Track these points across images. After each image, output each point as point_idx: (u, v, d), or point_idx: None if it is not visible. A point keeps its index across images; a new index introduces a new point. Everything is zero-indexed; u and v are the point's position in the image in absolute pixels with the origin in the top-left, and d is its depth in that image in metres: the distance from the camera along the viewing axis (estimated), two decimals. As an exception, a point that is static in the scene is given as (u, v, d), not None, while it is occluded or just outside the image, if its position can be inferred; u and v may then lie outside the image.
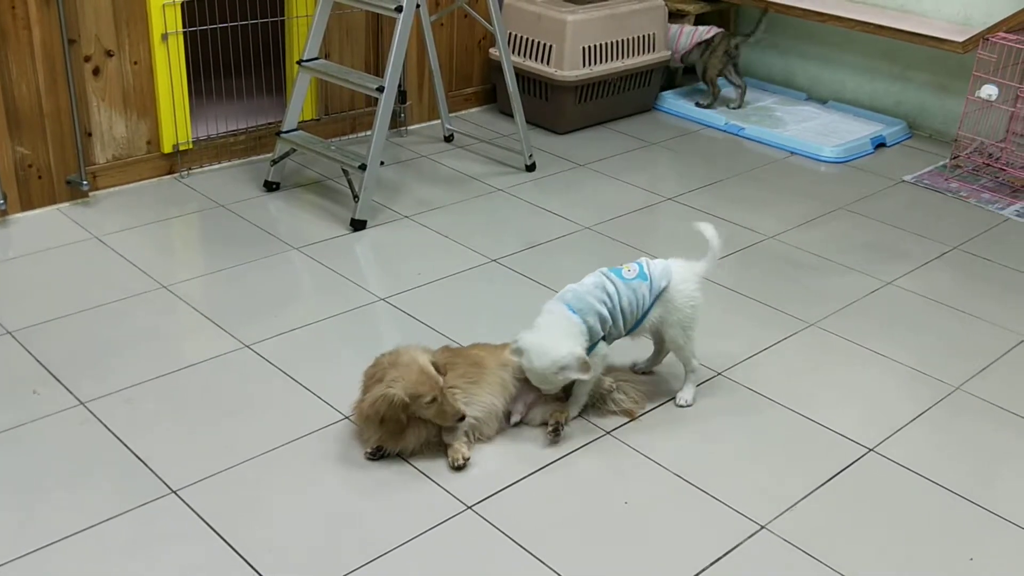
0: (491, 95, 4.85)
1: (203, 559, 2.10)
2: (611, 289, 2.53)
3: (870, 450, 2.54)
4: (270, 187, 3.84)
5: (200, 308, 3.02)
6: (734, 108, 4.88)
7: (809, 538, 2.23)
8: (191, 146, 3.90)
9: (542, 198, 3.90)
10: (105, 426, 2.48)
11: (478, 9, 4.35)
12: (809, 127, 4.71)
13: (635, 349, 2.80)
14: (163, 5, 3.64)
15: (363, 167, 3.54)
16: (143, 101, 3.74)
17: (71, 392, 2.60)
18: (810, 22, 4.80)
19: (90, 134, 3.65)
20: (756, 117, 4.81)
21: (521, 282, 3.27)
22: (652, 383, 2.77)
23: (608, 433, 2.56)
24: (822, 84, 5.10)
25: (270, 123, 4.13)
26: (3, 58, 3.34)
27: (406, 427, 2.35)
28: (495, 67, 4.61)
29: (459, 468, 2.38)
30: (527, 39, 4.55)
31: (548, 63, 4.49)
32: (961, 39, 4.27)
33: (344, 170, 3.65)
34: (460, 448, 2.39)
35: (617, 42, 4.59)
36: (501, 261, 3.40)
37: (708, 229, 2.62)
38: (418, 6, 3.70)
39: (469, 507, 2.27)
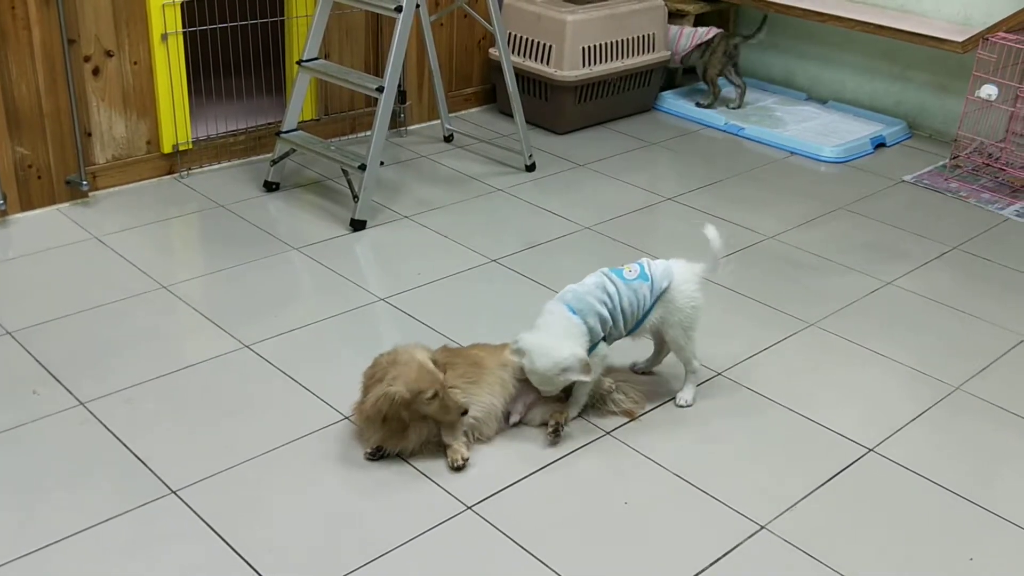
0: (491, 95, 4.85)
1: (203, 559, 2.10)
2: (612, 290, 2.53)
3: (870, 450, 2.54)
4: (270, 187, 3.84)
5: (200, 308, 3.02)
6: (734, 108, 4.88)
7: (809, 538, 2.23)
8: (191, 146, 3.90)
9: (542, 198, 3.90)
10: (105, 426, 2.48)
11: (478, 9, 4.35)
12: (809, 127, 4.71)
13: (635, 349, 2.80)
14: (163, 5, 3.64)
15: (363, 167, 3.54)
16: (143, 101, 3.74)
17: (71, 392, 2.60)
18: (810, 22, 4.80)
19: (90, 134, 3.65)
20: (756, 117, 4.81)
21: (521, 282, 3.27)
22: (652, 383, 2.77)
23: (608, 433, 2.56)
24: (822, 84, 5.10)
25: (270, 123, 4.13)
26: (3, 58, 3.34)
27: (408, 425, 2.35)
28: (495, 67, 4.61)
29: (458, 469, 2.38)
30: (527, 39, 4.55)
31: (548, 63, 4.49)
32: (961, 39, 4.27)
33: (344, 170, 3.65)
34: (459, 448, 2.39)
35: (617, 42, 4.59)
36: (501, 261, 3.40)
37: (711, 232, 2.60)
38: (418, 6, 3.70)
39: (469, 507, 2.27)
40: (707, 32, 4.80)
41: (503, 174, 4.11)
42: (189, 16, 3.85)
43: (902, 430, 2.63)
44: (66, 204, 3.61)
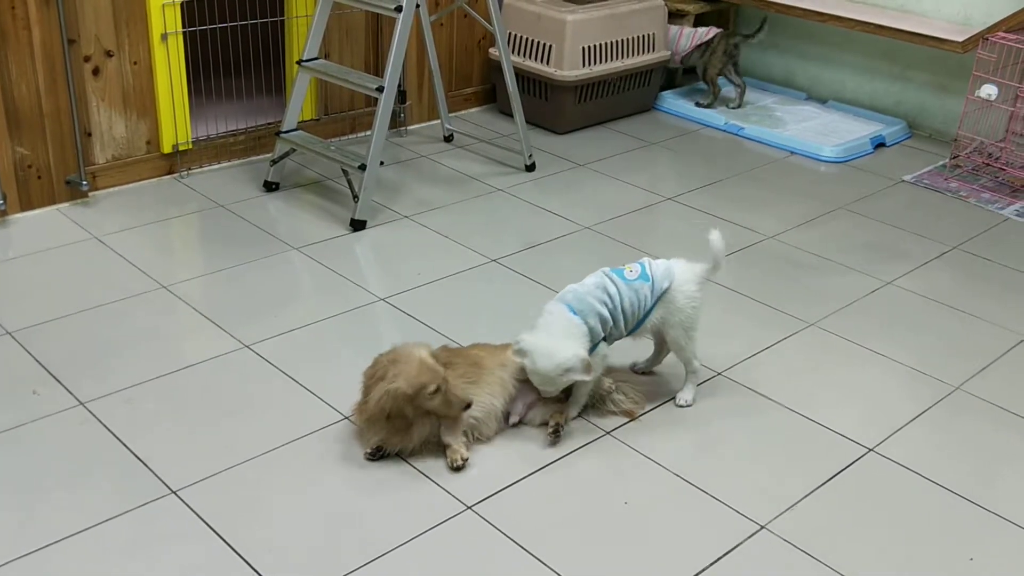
0: (491, 95, 4.85)
1: (203, 559, 2.10)
2: (612, 290, 2.53)
3: (870, 450, 2.54)
4: (270, 187, 3.84)
5: (200, 308, 3.02)
6: (733, 108, 4.88)
7: (809, 538, 2.23)
8: (191, 146, 3.90)
9: (542, 198, 3.90)
10: (105, 426, 2.48)
11: (478, 9, 4.35)
12: (809, 127, 4.71)
13: (635, 349, 2.80)
14: (163, 5, 3.64)
15: (363, 167, 3.54)
16: (143, 101, 3.74)
17: (71, 392, 2.60)
18: (810, 22, 4.80)
19: (90, 134, 3.65)
20: (756, 117, 4.81)
21: (521, 282, 3.27)
22: (652, 383, 2.77)
23: (608, 433, 2.56)
24: (822, 84, 5.10)
25: (270, 123, 4.13)
26: (3, 58, 3.34)
27: (412, 423, 2.35)
28: (495, 67, 4.61)
29: (458, 469, 2.38)
30: (527, 39, 4.55)
31: (548, 63, 4.49)
32: (961, 39, 4.27)
33: (344, 170, 3.65)
34: (459, 449, 2.39)
35: (617, 42, 4.59)
36: (501, 261, 3.40)
37: (715, 236, 2.59)
38: (418, 6, 3.70)
39: (469, 507, 2.27)
40: (707, 32, 4.80)
41: (503, 174, 4.11)
42: (189, 16, 3.85)
43: (902, 430, 2.63)
44: (66, 204, 3.61)
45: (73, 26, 3.48)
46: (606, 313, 2.50)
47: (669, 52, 4.83)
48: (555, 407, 2.54)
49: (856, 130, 4.68)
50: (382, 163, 3.65)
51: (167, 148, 3.83)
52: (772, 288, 3.31)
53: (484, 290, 3.23)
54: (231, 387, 2.67)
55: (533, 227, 3.67)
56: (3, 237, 3.39)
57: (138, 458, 2.38)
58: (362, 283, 3.22)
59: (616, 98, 4.72)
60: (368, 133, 3.74)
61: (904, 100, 4.84)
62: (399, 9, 3.51)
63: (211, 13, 3.97)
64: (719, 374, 2.82)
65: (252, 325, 2.94)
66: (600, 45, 4.52)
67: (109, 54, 3.60)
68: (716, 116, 4.78)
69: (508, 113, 4.50)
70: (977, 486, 2.43)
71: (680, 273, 2.60)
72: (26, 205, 3.54)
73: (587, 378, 2.44)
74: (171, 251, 3.45)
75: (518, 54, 4.57)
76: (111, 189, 3.74)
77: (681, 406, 2.67)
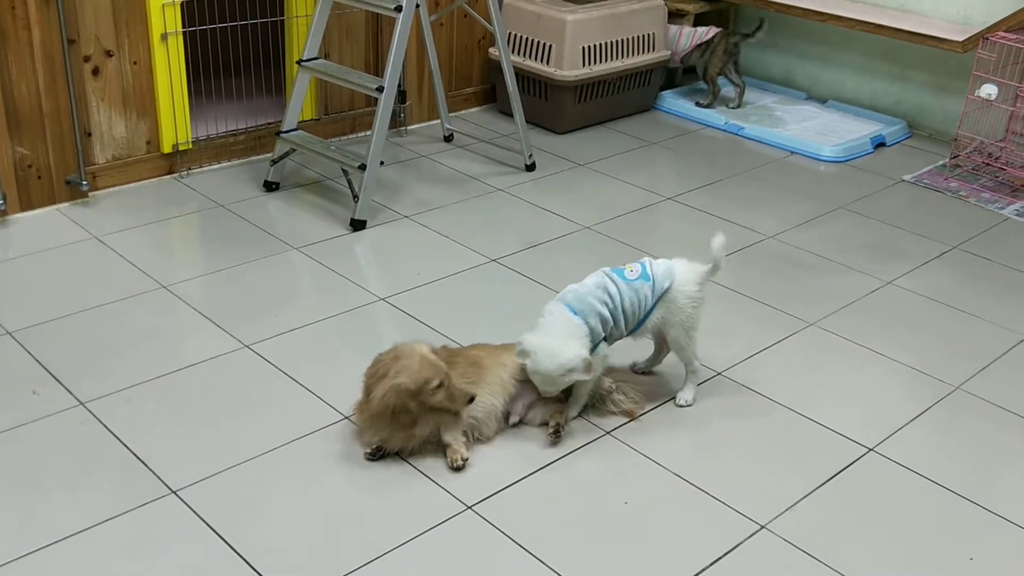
0: (491, 95, 4.85)
1: (203, 559, 2.10)
2: (613, 290, 2.52)
3: (870, 450, 2.54)
4: (270, 187, 3.84)
5: (200, 308, 3.02)
6: (733, 108, 4.88)
7: (809, 538, 2.23)
8: (191, 146, 3.90)
9: (542, 198, 3.90)
10: (105, 426, 2.48)
11: (478, 9, 4.35)
12: (809, 127, 4.71)
13: (635, 349, 2.79)
14: (163, 5, 3.64)
15: (363, 167, 3.54)
16: (143, 101, 3.74)
17: (71, 392, 2.60)
18: (810, 22, 4.80)
19: (90, 134, 3.65)
20: (756, 116, 4.81)
21: (521, 282, 3.27)
22: (652, 383, 2.77)
23: (608, 433, 2.56)
24: (822, 84, 5.10)
25: (270, 123, 4.13)
26: (3, 58, 3.34)
27: (417, 419, 2.35)
28: (495, 67, 4.61)
29: (458, 469, 2.38)
30: (527, 39, 4.55)
31: (548, 63, 4.49)
32: (961, 39, 4.27)
33: (344, 170, 3.65)
34: (459, 448, 2.39)
35: (617, 42, 4.59)
36: (501, 261, 3.40)
37: (717, 240, 2.58)
38: (418, 6, 3.70)
39: (469, 507, 2.28)
40: (707, 32, 4.80)
41: (503, 174, 4.11)
42: (189, 16, 3.85)
43: (902, 430, 2.63)
44: (66, 204, 3.61)
45: (73, 26, 3.48)
46: (607, 313, 2.50)
47: (669, 52, 4.83)
48: (555, 407, 2.54)
49: (856, 130, 4.68)
50: (382, 163, 3.65)
51: (167, 148, 3.83)
52: (772, 288, 3.31)
53: (484, 290, 3.23)
54: (231, 387, 2.67)
55: (533, 227, 3.67)
56: (3, 237, 3.39)
57: (138, 458, 2.38)
58: (362, 283, 3.22)
59: (616, 98, 4.72)
60: (368, 133, 3.74)
61: (904, 100, 4.84)
62: (399, 9, 3.51)
63: (211, 13, 3.97)
64: (719, 374, 2.82)
65: (252, 325, 2.94)
66: (600, 45, 4.52)
67: (109, 54, 3.60)
68: (716, 116, 4.78)
69: (508, 113, 4.50)
70: (977, 486, 2.43)
71: (681, 273, 2.60)
72: (26, 205, 3.54)
73: (586, 377, 2.44)
74: (171, 251, 3.45)
75: (518, 54, 4.57)
76: (111, 189, 3.74)
77: (681, 406, 2.67)
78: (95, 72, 3.59)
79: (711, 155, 4.44)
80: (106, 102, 3.65)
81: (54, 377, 2.66)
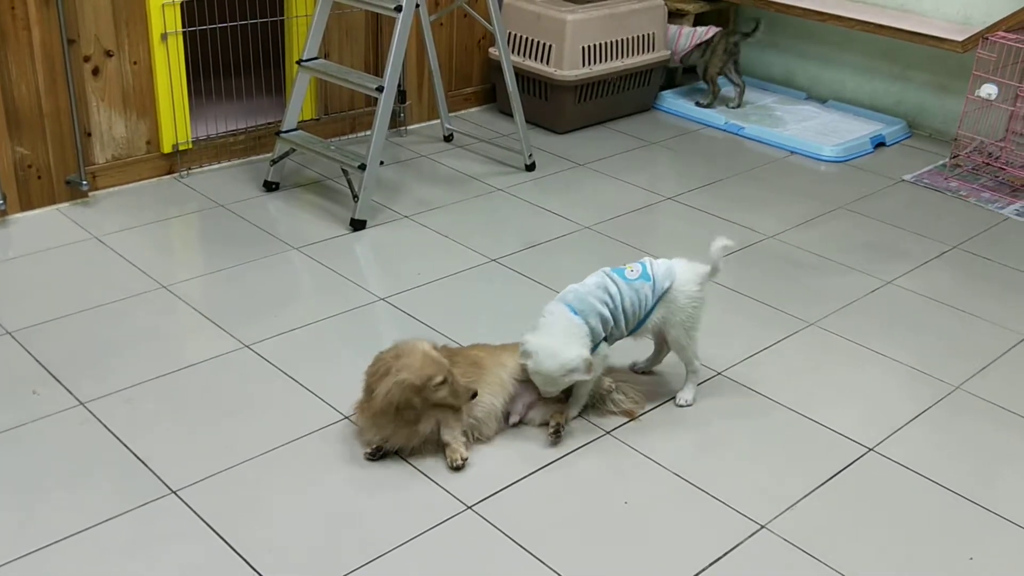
0: (491, 95, 4.85)
1: (203, 559, 2.10)
2: (613, 290, 2.52)
3: (870, 450, 2.54)
4: (270, 187, 3.84)
5: (200, 308, 3.02)
6: (733, 107, 4.88)
7: (809, 538, 2.23)
8: (191, 146, 3.90)
9: (542, 198, 3.90)
10: (105, 426, 2.48)
11: (478, 9, 4.35)
12: (809, 126, 4.71)
13: (635, 349, 2.79)
14: (163, 5, 3.64)
15: (363, 167, 3.54)
16: (143, 101, 3.74)
17: (71, 392, 2.60)
18: (810, 21, 4.80)
19: (90, 134, 3.65)
20: (756, 116, 4.81)
21: (521, 282, 3.27)
22: (652, 383, 2.77)
23: (608, 433, 2.56)
24: (822, 83, 5.10)
25: (270, 123, 4.13)
26: (3, 58, 3.34)
27: (421, 416, 2.35)
28: (495, 67, 4.61)
29: (457, 468, 2.38)
30: (527, 39, 4.55)
31: (548, 63, 4.49)
32: (961, 38, 4.27)
33: (344, 170, 3.65)
34: (458, 448, 2.39)
35: (617, 42, 4.59)
36: (501, 261, 3.40)
37: (717, 244, 2.58)
38: (417, 6, 3.70)
39: (469, 507, 2.28)
40: (706, 31, 4.80)
41: (503, 174, 4.11)
42: (189, 16, 3.85)
43: (902, 430, 2.63)
44: (66, 204, 3.61)
45: (73, 26, 3.48)
46: (607, 313, 2.50)
47: (669, 52, 4.83)
48: (555, 407, 2.54)
49: (856, 130, 4.68)
50: (382, 163, 3.65)
51: (167, 148, 3.83)
52: (772, 288, 3.31)
53: (484, 290, 3.23)
54: (231, 387, 2.67)
55: (533, 227, 3.67)
56: (3, 237, 3.39)
57: (138, 458, 2.38)
58: (362, 283, 3.22)
59: (616, 98, 4.72)
60: (368, 133, 3.74)
61: (904, 100, 4.84)
62: (399, 9, 3.51)
63: (211, 13, 3.97)
64: (719, 374, 2.82)
65: (252, 325, 2.94)
66: (600, 45, 4.52)
67: (109, 54, 3.60)
68: (716, 116, 4.78)
69: (508, 113, 4.50)
70: (977, 486, 2.43)
71: (682, 273, 2.59)
72: (26, 205, 3.54)
73: (587, 376, 2.44)
74: (171, 251, 3.45)
75: (518, 54, 4.57)
76: (111, 189, 3.74)
77: (681, 406, 2.67)
78: (95, 72, 3.59)
79: (711, 155, 4.44)
80: (106, 102, 3.65)
81: (54, 377, 2.66)
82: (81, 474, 2.32)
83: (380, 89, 3.53)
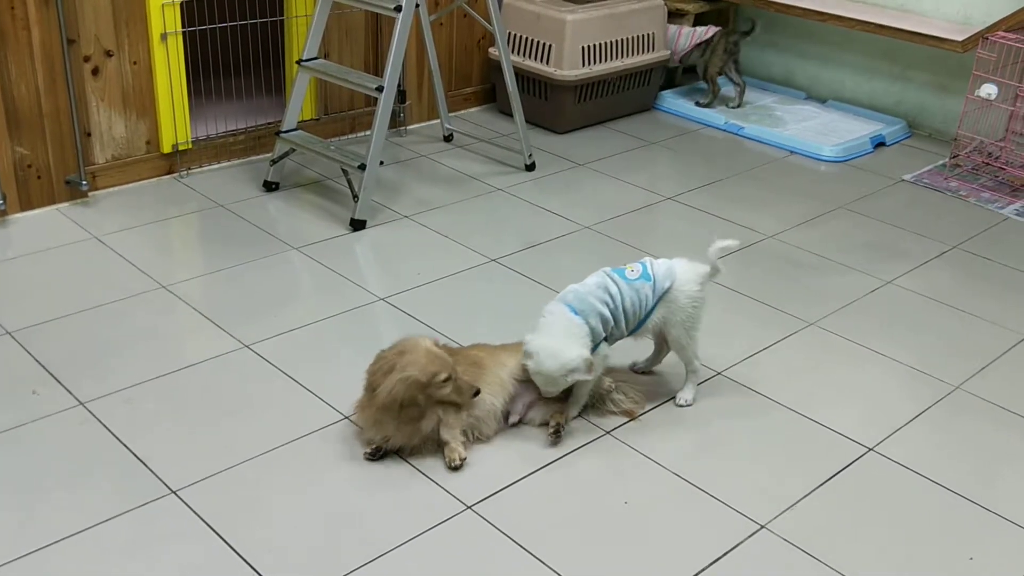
0: (490, 95, 4.85)
1: (203, 559, 2.10)
2: (613, 290, 2.52)
3: (870, 450, 2.54)
4: (269, 187, 3.84)
5: (200, 308, 3.02)
6: (733, 107, 4.88)
7: (809, 538, 2.23)
8: (190, 146, 3.90)
9: (542, 198, 3.90)
10: (105, 426, 2.48)
11: (477, 9, 4.35)
12: (809, 126, 4.71)
13: (635, 349, 2.79)
14: (162, 5, 3.64)
15: (362, 167, 3.54)
16: (142, 101, 3.74)
17: (71, 392, 2.60)
18: (810, 21, 4.80)
19: (89, 134, 3.64)
20: (756, 116, 4.81)
21: (521, 282, 3.27)
22: (652, 383, 2.77)
23: (608, 433, 2.56)
24: (822, 83, 5.10)
25: (269, 123, 4.13)
26: (3, 58, 3.34)
27: (423, 413, 2.35)
28: (494, 67, 4.61)
29: (455, 468, 2.38)
30: (526, 38, 4.55)
31: (547, 63, 4.48)
32: (961, 38, 4.27)
33: (344, 170, 3.65)
34: (457, 448, 2.39)
35: (616, 41, 4.59)
36: (501, 261, 3.40)
37: (715, 245, 2.58)
38: (417, 6, 3.70)
39: (469, 507, 2.27)
40: (706, 31, 4.80)
41: (503, 174, 4.11)
42: (189, 16, 3.85)
43: (902, 429, 2.63)
44: (66, 204, 3.61)
45: (73, 26, 3.48)
46: (607, 313, 2.50)
47: (668, 51, 4.83)
48: (555, 407, 2.54)
49: (856, 129, 4.68)
50: (382, 163, 3.65)
51: (167, 148, 3.83)
52: (772, 288, 3.31)
53: (484, 290, 3.23)
54: (231, 387, 2.67)
55: (533, 227, 3.67)
56: (3, 237, 3.39)
57: (138, 458, 2.38)
58: (362, 283, 3.22)
59: (616, 98, 4.72)
60: (368, 133, 3.74)
61: (904, 99, 4.84)
62: (399, 9, 3.51)
63: (211, 13, 3.97)
64: (719, 374, 2.82)
65: (252, 325, 2.94)
66: (600, 45, 4.52)
67: (109, 54, 3.60)
68: (716, 116, 4.78)
69: (508, 113, 4.50)
70: (977, 486, 2.43)
71: (682, 273, 2.59)
72: (26, 205, 3.54)
73: (587, 376, 2.44)
74: (171, 251, 3.45)
75: (518, 54, 4.57)
76: (111, 189, 3.74)
77: (681, 406, 2.67)
78: (95, 72, 3.59)
79: (711, 155, 4.44)
80: (106, 102, 3.65)
81: (54, 377, 2.66)
82: (81, 474, 2.32)
83: (380, 89, 3.53)
